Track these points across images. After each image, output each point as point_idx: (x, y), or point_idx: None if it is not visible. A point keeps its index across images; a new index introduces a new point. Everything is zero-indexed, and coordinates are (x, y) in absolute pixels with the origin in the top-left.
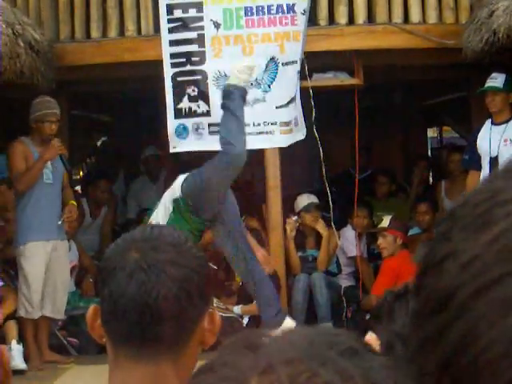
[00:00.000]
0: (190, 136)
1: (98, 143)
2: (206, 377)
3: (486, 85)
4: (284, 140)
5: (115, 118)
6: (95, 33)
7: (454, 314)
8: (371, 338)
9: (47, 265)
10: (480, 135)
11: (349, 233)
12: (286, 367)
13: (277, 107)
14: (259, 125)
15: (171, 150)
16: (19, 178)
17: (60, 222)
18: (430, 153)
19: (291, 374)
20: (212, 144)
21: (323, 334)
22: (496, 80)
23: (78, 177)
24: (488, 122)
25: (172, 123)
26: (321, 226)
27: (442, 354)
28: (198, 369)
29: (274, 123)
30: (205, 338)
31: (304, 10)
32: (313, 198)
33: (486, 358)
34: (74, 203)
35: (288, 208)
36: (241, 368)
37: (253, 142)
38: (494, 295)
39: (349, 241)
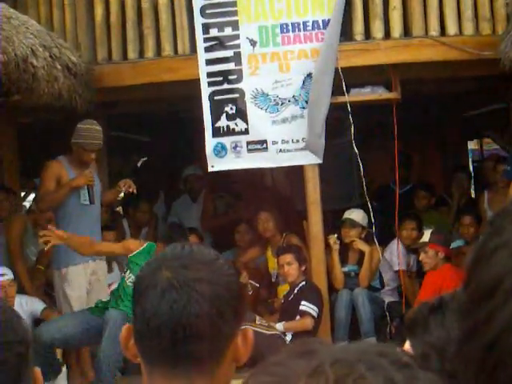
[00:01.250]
0: (228, 154)
1: (139, 164)
2: (260, 375)
3: None
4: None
5: (154, 139)
6: (132, 54)
7: (502, 299)
8: (407, 348)
9: (87, 287)
10: None
11: (394, 246)
12: (334, 368)
13: None
14: (298, 141)
15: (210, 169)
16: (43, 197)
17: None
18: (471, 165)
19: (339, 375)
20: (250, 162)
21: (375, 346)
22: None
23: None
24: None
25: (210, 142)
26: (360, 244)
27: (491, 336)
28: (254, 369)
29: None
30: (238, 355)
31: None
32: (354, 214)
33: None
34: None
35: (327, 223)
36: (292, 368)
37: (293, 159)
38: None
39: (394, 255)
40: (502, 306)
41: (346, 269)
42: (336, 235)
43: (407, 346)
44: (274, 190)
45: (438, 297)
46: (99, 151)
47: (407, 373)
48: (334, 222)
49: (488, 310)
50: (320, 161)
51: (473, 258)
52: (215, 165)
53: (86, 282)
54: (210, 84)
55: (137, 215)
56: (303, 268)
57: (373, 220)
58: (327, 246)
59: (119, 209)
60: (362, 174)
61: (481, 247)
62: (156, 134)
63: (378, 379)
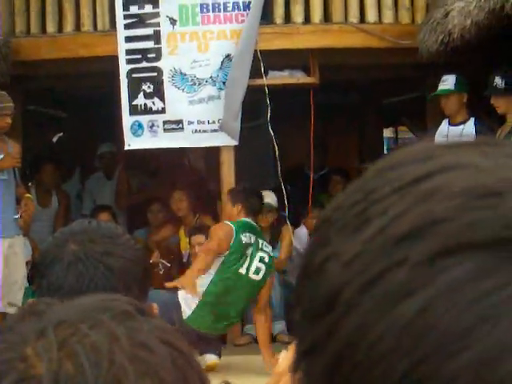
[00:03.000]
0: (144, 133)
1: (54, 139)
2: None
3: (438, 89)
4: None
5: (71, 115)
6: (51, 28)
7: (342, 312)
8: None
9: (5, 262)
10: (437, 135)
11: (302, 232)
12: (57, 331)
13: None
14: (214, 122)
15: (126, 148)
16: None
17: (17, 217)
18: (386, 153)
19: (62, 337)
20: (166, 141)
21: (101, 300)
22: (447, 82)
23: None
24: (445, 123)
25: (127, 120)
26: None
27: (333, 353)
28: None
29: None
30: None
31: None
32: (269, 198)
33: (378, 351)
34: (30, 196)
35: None
36: (21, 332)
37: (208, 140)
38: (378, 290)
39: (302, 241)
40: (343, 318)
41: None
42: None
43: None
44: (189, 170)
45: None
46: (12, 121)
47: (129, 324)
48: None
49: (327, 325)
50: (236, 142)
51: (300, 275)
52: (132, 143)
53: (2, 256)
54: (129, 61)
55: (43, 178)
56: None
57: (286, 203)
58: None
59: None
60: (277, 156)
61: (307, 262)
62: (73, 110)
63: (100, 336)
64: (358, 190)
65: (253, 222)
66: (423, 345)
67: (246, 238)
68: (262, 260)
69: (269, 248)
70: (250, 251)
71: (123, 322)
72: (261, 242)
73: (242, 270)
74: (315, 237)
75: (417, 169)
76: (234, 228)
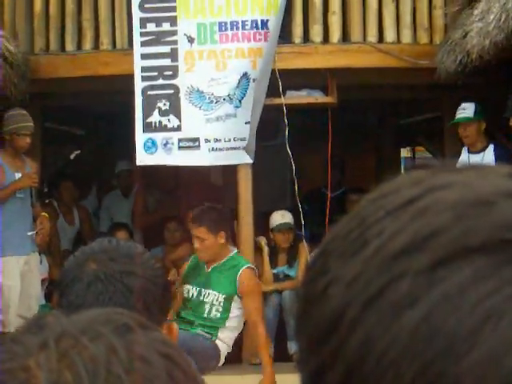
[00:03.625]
0: (158, 151)
1: (71, 156)
2: None
3: (457, 116)
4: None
5: (89, 132)
6: (70, 46)
7: (347, 330)
8: None
9: (20, 279)
10: (459, 164)
11: None
12: (58, 342)
13: (246, 123)
14: (230, 140)
15: (137, 164)
16: None
17: (30, 233)
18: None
19: (63, 348)
20: (181, 159)
21: (104, 314)
22: (466, 110)
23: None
24: (464, 152)
25: (140, 137)
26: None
27: (341, 372)
28: None
29: (243, 139)
30: None
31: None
32: (287, 217)
33: (387, 360)
34: (46, 214)
35: (259, 224)
36: (24, 344)
37: (224, 158)
38: (382, 304)
39: None
40: (349, 336)
41: (275, 271)
42: (264, 237)
43: None
44: (207, 188)
45: None
46: (32, 138)
47: (128, 337)
48: (264, 223)
49: (333, 345)
50: (251, 161)
51: (301, 305)
52: (144, 160)
53: (19, 273)
54: (144, 79)
55: (63, 195)
56: None
57: (302, 222)
58: (256, 247)
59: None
60: (294, 175)
61: (308, 292)
62: (90, 127)
63: (99, 348)
64: (352, 219)
65: None
66: (430, 349)
67: None
68: None
69: None
70: None
71: (123, 334)
72: None
73: None
74: (313, 268)
75: (408, 192)
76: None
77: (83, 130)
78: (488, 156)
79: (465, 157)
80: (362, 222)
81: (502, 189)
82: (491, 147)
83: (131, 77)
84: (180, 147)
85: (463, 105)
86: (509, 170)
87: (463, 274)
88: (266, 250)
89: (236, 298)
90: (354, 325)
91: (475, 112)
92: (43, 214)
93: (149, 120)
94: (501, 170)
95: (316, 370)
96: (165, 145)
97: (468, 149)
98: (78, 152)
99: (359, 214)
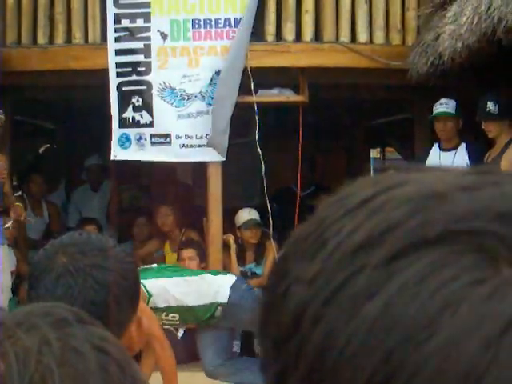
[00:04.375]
0: (132, 146)
1: (41, 150)
2: None
3: (438, 110)
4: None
5: (59, 126)
6: (42, 39)
7: (308, 327)
8: None
9: None
10: (429, 161)
11: None
12: None
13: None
14: (201, 137)
15: (112, 158)
16: None
17: (7, 226)
18: (372, 172)
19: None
20: (153, 155)
21: (45, 307)
22: (447, 105)
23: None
24: (436, 148)
25: (116, 132)
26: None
27: (304, 368)
28: None
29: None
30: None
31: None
32: (254, 214)
33: (347, 354)
34: (20, 204)
35: (229, 222)
36: None
37: (195, 155)
38: (341, 299)
39: None
40: (310, 332)
41: (242, 268)
42: (231, 235)
43: None
44: (177, 184)
45: None
46: (1, 131)
47: (63, 330)
48: (232, 221)
49: (295, 343)
50: (223, 158)
51: (263, 310)
52: (118, 155)
53: None
54: (119, 74)
55: (32, 188)
56: (203, 265)
57: (271, 221)
58: (225, 244)
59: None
60: (263, 173)
61: (269, 295)
62: (62, 121)
63: (33, 340)
64: (312, 222)
65: None
66: (390, 339)
67: None
68: None
69: None
70: None
71: (60, 328)
72: None
73: None
74: (275, 272)
75: (365, 192)
76: None
77: (54, 124)
78: (460, 154)
79: (435, 154)
80: (321, 223)
81: (457, 183)
82: (463, 146)
83: (103, 71)
84: (152, 143)
85: (443, 100)
86: (465, 170)
87: (421, 264)
88: (233, 247)
89: None
90: (314, 321)
91: (456, 108)
92: (17, 204)
93: (123, 115)
94: (457, 169)
95: (280, 371)
96: (138, 140)
97: (440, 146)
98: (47, 146)
99: (319, 216)
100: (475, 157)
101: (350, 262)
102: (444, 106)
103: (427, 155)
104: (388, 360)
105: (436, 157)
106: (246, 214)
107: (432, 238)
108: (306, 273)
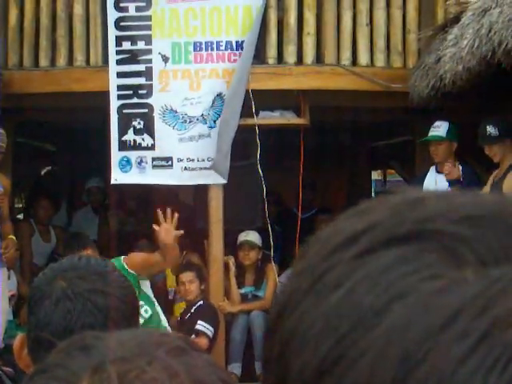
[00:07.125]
0: (133, 169)
1: (42, 172)
2: (39, 378)
3: (430, 134)
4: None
5: (61, 148)
6: (44, 61)
7: (289, 313)
8: None
9: None
10: (426, 183)
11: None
12: (115, 366)
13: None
14: (203, 160)
15: (112, 182)
16: None
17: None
18: (373, 195)
19: (121, 372)
20: (154, 178)
21: (152, 335)
22: (439, 129)
23: (20, 205)
24: (432, 170)
25: (116, 155)
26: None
27: (278, 349)
28: (33, 370)
29: None
30: None
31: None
32: (251, 236)
33: (309, 335)
34: (13, 238)
35: (229, 244)
36: (72, 368)
37: (197, 178)
38: (316, 289)
39: None
40: (288, 318)
41: (242, 290)
42: (232, 257)
43: None
44: (178, 206)
45: None
46: (3, 156)
47: (184, 359)
48: (234, 243)
49: (278, 332)
50: (225, 181)
51: (268, 336)
52: (118, 178)
53: None
54: (120, 97)
55: (39, 213)
56: (202, 287)
57: (272, 243)
58: (226, 266)
59: (20, 216)
60: (265, 196)
61: (281, 308)
62: (63, 143)
63: (159, 371)
64: (314, 241)
65: None
66: (345, 323)
67: None
68: None
69: None
70: None
71: (178, 357)
72: None
73: None
74: (285, 295)
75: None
76: None
77: (55, 146)
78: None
79: (432, 176)
80: (321, 240)
81: (438, 192)
82: (460, 169)
83: (104, 93)
84: (154, 166)
85: (436, 123)
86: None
87: (387, 258)
88: (232, 270)
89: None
90: (294, 308)
91: (448, 131)
92: (10, 237)
93: (124, 138)
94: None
95: (264, 363)
96: (139, 163)
97: (436, 168)
98: (49, 168)
99: (321, 236)
100: (471, 180)
101: (331, 256)
102: (436, 129)
103: (424, 177)
104: (341, 342)
105: (432, 179)
106: (243, 236)
107: (401, 236)
108: (297, 267)
